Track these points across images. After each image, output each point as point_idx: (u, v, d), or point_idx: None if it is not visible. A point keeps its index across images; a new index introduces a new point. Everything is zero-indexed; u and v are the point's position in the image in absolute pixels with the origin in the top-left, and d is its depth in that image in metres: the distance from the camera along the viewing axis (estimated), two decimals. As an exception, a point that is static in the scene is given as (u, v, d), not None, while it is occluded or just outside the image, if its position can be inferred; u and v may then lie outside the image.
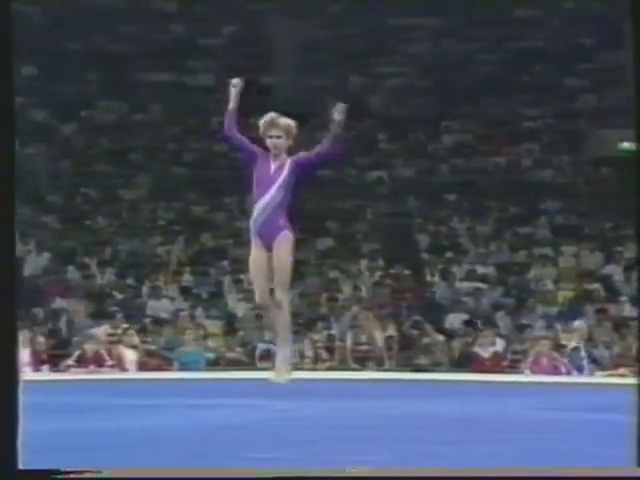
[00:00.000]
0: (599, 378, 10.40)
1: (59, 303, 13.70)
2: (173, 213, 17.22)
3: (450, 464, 3.57)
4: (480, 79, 19.73)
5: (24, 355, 11.01)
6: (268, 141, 6.79)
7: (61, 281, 14.76)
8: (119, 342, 11.47)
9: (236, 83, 6.98)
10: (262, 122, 6.83)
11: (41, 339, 11.80)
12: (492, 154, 18.87)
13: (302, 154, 6.85)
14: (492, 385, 8.99)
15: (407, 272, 15.27)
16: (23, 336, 11.31)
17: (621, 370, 10.65)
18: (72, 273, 15.04)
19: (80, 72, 19.61)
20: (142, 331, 12.40)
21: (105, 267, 15.26)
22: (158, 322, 12.93)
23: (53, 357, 11.66)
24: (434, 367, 11.91)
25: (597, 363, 11.40)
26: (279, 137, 6.78)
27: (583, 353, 11.19)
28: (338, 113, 6.80)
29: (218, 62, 19.90)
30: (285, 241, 6.71)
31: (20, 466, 2.93)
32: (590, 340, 11.78)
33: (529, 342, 11.81)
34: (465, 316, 13.67)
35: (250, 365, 11.67)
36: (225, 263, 14.90)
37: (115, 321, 12.23)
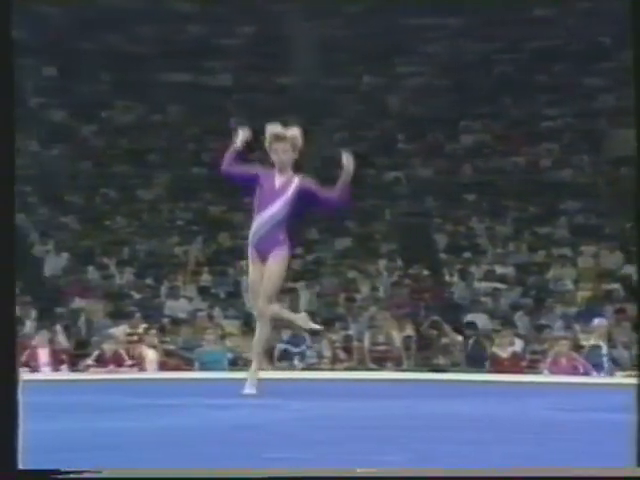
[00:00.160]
0: (618, 378, 10.35)
1: (78, 303, 13.75)
2: (191, 213, 17.26)
3: (468, 464, 3.56)
4: (499, 79, 19.67)
5: (43, 355, 11.07)
6: (274, 156, 6.73)
7: (80, 281, 14.81)
8: (140, 342, 11.49)
9: (245, 133, 6.91)
10: (268, 134, 6.77)
11: (60, 339, 11.85)
12: (511, 154, 18.81)
13: (311, 183, 6.78)
14: (511, 385, 8.97)
15: (425, 272, 15.25)
16: (42, 336, 11.37)
17: (641, 370, 10.58)
18: (91, 273, 15.09)
19: (99, 73, 19.68)
20: (160, 331, 12.42)
21: (124, 267, 15.31)
22: (176, 322, 12.96)
23: (72, 357, 11.70)
24: (452, 367, 11.89)
25: (616, 363, 11.34)
26: (285, 151, 6.73)
27: (603, 353, 11.13)
28: (347, 162, 6.72)
29: (236, 62, 19.93)
30: (280, 255, 6.67)
31: (20, 466, 2.92)
32: (609, 340, 11.72)
33: (548, 342, 11.77)
34: (484, 316, 13.64)
35: (268, 365, 11.67)
36: (243, 263, 14.87)
37: (134, 321, 12.26)
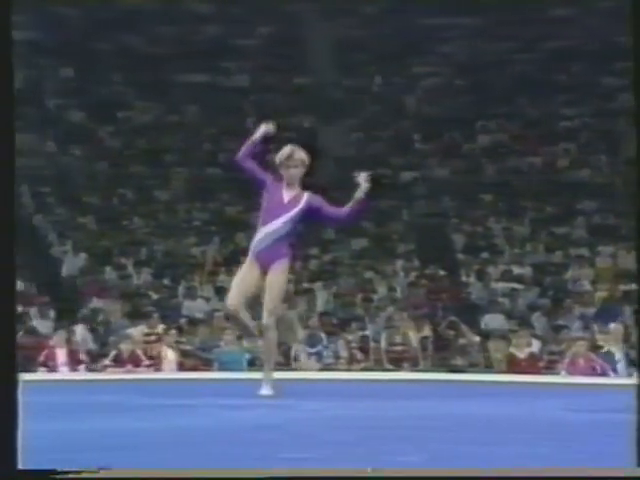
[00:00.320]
0: (636, 379, 10.28)
1: (96, 303, 13.79)
2: (208, 214, 17.29)
3: (484, 465, 3.55)
4: (516, 79, 19.62)
5: (61, 355, 11.11)
6: (285, 171, 6.76)
7: (98, 281, 14.86)
8: (159, 342, 11.51)
9: (267, 127, 6.94)
10: (281, 155, 6.79)
11: (86, 338, 11.90)
12: (528, 154, 18.76)
13: (319, 199, 6.80)
14: (528, 386, 8.94)
15: (442, 272, 15.23)
16: (60, 336, 11.42)
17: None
18: (109, 273, 15.14)
19: (117, 74, 19.74)
20: (178, 331, 12.44)
21: (141, 267, 15.35)
22: (193, 322, 12.98)
23: (90, 357, 11.74)
24: (470, 368, 11.86)
25: (634, 364, 11.29)
26: (296, 167, 6.78)
27: (616, 359, 11.09)
28: (363, 182, 6.72)
29: (253, 63, 19.96)
30: (281, 269, 6.70)
31: (20, 466, 2.93)
32: (627, 341, 11.67)
33: (566, 343, 11.73)
34: (501, 317, 13.62)
35: (285, 365, 11.67)
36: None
37: (151, 321, 12.29)
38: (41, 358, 11.03)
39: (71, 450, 3.89)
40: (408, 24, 20.01)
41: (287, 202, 6.76)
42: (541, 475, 3.24)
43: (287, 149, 6.83)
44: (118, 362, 10.90)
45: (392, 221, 17.15)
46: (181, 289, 14.55)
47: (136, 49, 19.94)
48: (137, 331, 11.92)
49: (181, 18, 20.25)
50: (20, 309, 13.03)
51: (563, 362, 11.08)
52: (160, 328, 11.95)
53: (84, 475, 3.04)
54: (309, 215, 6.80)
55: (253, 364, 11.62)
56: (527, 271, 15.14)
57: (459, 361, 12.22)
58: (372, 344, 12.37)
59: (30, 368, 10.97)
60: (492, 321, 13.55)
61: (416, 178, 18.43)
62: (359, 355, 12.18)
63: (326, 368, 11.76)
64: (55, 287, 14.82)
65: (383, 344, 12.39)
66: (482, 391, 8.23)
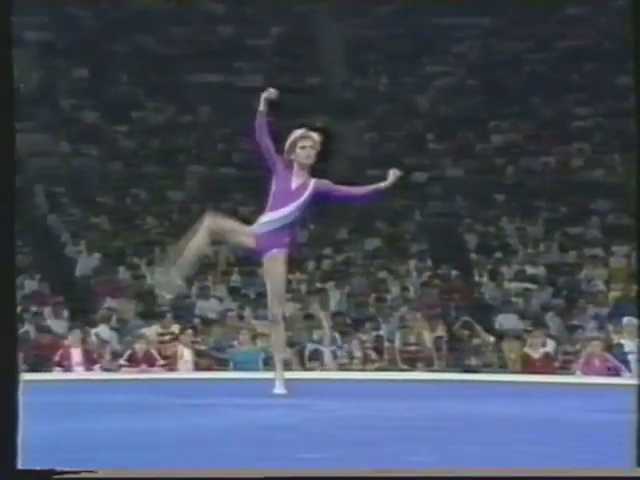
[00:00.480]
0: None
1: (109, 303, 13.82)
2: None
3: (498, 465, 3.54)
4: (529, 78, 19.57)
5: (76, 354, 11.14)
6: (300, 151, 6.74)
7: (111, 281, 14.89)
8: (175, 341, 11.53)
9: (271, 92, 6.98)
10: (293, 136, 6.79)
11: (93, 339, 11.92)
12: (542, 154, 18.70)
13: (326, 183, 6.81)
14: (543, 386, 8.92)
15: (455, 272, 15.20)
16: (75, 335, 11.45)
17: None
18: (122, 273, 15.17)
19: (130, 74, 19.78)
20: (192, 331, 12.45)
21: (154, 267, 15.36)
22: (206, 322, 12.99)
23: (112, 356, 11.74)
24: (484, 368, 11.84)
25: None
26: (312, 147, 6.76)
27: (626, 351, 11.05)
28: (392, 177, 6.74)
29: (266, 63, 19.96)
30: (279, 260, 6.69)
31: (20, 466, 2.93)
32: (640, 338, 11.63)
33: (580, 343, 11.70)
34: (515, 317, 13.59)
35: (299, 365, 11.68)
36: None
37: (165, 321, 12.31)
38: (56, 358, 11.06)
39: (87, 450, 3.90)
40: (421, 24, 20.00)
41: (295, 189, 6.75)
42: (541, 475, 3.23)
43: (299, 130, 6.84)
44: (132, 362, 10.92)
45: (405, 221, 17.13)
46: (194, 289, 14.57)
47: (149, 49, 19.97)
48: (151, 331, 11.94)
49: (194, 18, 20.28)
50: (34, 309, 13.07)
51: (578, 362, 11.06)
52: (174, 328, 11.97)
53: (84, 475, 3.05)
54: (318, 200, 6.81)
55: (268, 364, 11.62)
56: (541, 271, 15.10)
57: (473, 361, 12.20)
58: (386, 344, 12.36)
59: (45, 368, 11.02)
60: (506, 321, 13.52)
61: (429, 178, 18.40)
62: (373, 355, 12.17)
63: (340, 368, 11.77)
64: (69, 287, 14.85)
65: (397, 344, 12.38)
66: (496, 391, 8.22)
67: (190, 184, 18.04)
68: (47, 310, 13.20)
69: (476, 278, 15.25)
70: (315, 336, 12.39)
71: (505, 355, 12.08)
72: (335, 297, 14.17)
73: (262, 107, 6.92)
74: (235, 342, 11.91)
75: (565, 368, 11.47)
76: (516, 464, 3.60)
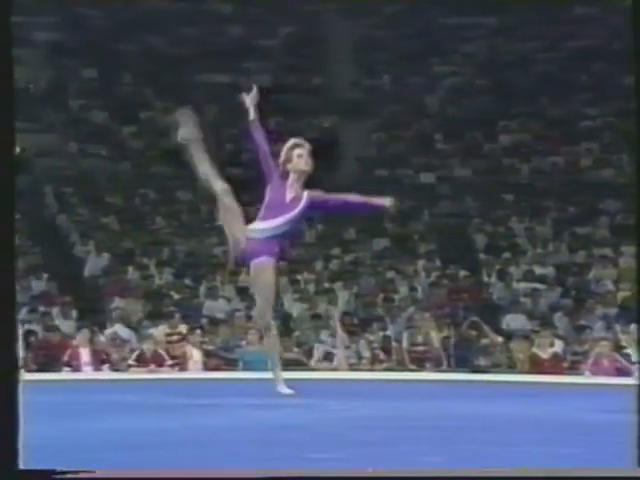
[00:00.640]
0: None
1: (118, 303, 13.84)
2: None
3: (507, 466, 3.54)
4: (538, 78, 19.54)
5: (85, 354, 11.15)
6: (297, 159, 6.71)
7: (120, 281, 14.91)
8: (184, 341, 11.54)
9: (254, 94, 7.00)
10: (288, 145, 6.78)
11: (101, 338, 11.94)
12: (550, 154, 18.69)
13: (320, 193, 6.77)
14: (551, 386, 8.91)
15: (464, 273, 15.19)
16: (84, 335, 11.47)
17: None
18: (131, 273, 15.19)
19: (139, 74, 19.81)
20: (200, 331, 12.46)
21: (163, 267, 15.39)
22: (214, 322, 13.01)
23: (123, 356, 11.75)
24: (492, 368, 11.82)
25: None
26: (303, 157, 6.73)
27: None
28: (389, 206, 6.70)
29: (274, 63, 19.97)
30: (266, 268, 6.69)
31: (22, 466, 2.94)
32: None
33: (589, 343, 11.68)
34: (523, 317, 13.57)
35: (307, 365, 11.68)
36: (281, 264, 14.92)
37: (173, 321, 12.32)
38: (65, 358, 11.08)
39: (93, 450, 3.90)
40: (429, 24, 19.99)
41: (289, 201, 6.72)
42: (542, 475, 3.23)
43: (292, 140, 6.83)
44: (141, 362, 10.93)
45: (413, 221, 17.13)
46: (203, 289, 14.58)
47: (158, 50, 20.00)
48: (159, 331, 11.95)
49: (203, 19, 20.30)
50: (42, 309, 13.10)
51: (586, 362, 11.04)
52: (182, 328, 11.98)
53: (84, 475, 3.05)
54: (313, 211, 6.83)
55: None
56: (549, 271, 15.08)
57: (481, 361, 12.18)
58: (394, 344, 12.35)
59: (54, 368, 11.04)
60: (514, 321, 13.50)
61: (438, 178, 18.39)
62: (381, 355, 12.17)
63: (349, 368, 11.76)
64: (77, 287, 14.88)
65: (405, 344, 12.37)
66: (505, 392, 8.21)
67: (198, 184, 18.04)
68: (55, 310, 13.23)
69: (484, 278, 15.24)
70: (323, 336, 12.38)
71: (513, 355, 12.06)
72: (343, 297, 14.18)
73: (252, 115, 6.91)
74: (243, 342, 11.92)
75: (573, 368, 11.45)
76: (524, 465, 3.60)
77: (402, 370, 11.58)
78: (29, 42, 17.92)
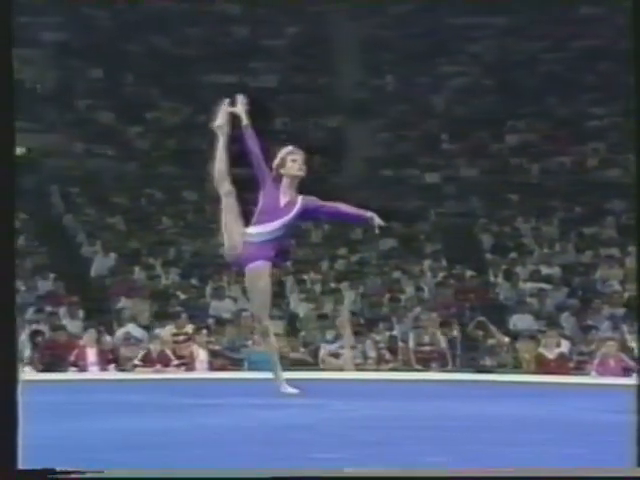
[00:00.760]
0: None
1: (124, 303, 13.86)
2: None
3: (512, 466, 3.54)
4: (544, 78, 19.53)
5: (91, 354, 11.17)
6: (291, 164, 6.72)
7: (126, 281, 14.93)
8: (190, 341, 11.55)
9: (242, 101, 7.03)
10: (283, 152, 6.80)
11: (110, 339, 11.95)
12: (557, 154, 18.67)
13: (314, 199, 6.76)
14: (558, 387, 8.90)
15: (470, 273, 15.18)
16: (90, 335, 11.49)
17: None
18: (137, 274, 15.21)
19: (145, 75, 19.83)
20: (207, 331, 12.47)
21: (169, 267, 15.41)
22: (221, 322, 13.01)
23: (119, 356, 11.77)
24: (499, 368, 11.82)
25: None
26: (297, 162, 6.75)
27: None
28: (376, 223, 6.67)
29: (281, 63, 19.98)
30: (261, 271, 6.65)
31: (20, 466, 2.94)
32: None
33: (595, 343, 11.66)
34: (529, 317, 13.56)
35: (313, 365, 11.69)
36: (287, 264, 14.94)
37: (179, 321, 12.34)
38: (71, 358, 11.09)
39: (97, 450, 3.91)
40: (436, 24, 19.98)
41: (283, 206, 6.72)
42: (547, 475, 3.23)
43: (288, 147, 6.84)
44: (147, 362, 10.94)
45: (420, 221, 17.13)
46: (209, 289, 14.60)
47: (165, 50, 20.03)
48: (165, 331, 11.96)
49: (209, 19, 20.32)
50: (49, 309, 13.12)
51: (593, 363, 11.02)
52: (189, 328, 11.99)
53: (84, 475, 3.05)
54: (306, 216, 6.85)
55: (283, 364, 11.61)
56: (556, 271, 15.07)
57: (488, 361, 12.18)
58: (400, 344, 12.35)
59: (60, 368, 11.06)
60: (520, 321, 13.49)
61: (444, 178, 18.39)
62: (387, 355, 12.17)
63: (355, 368, 11.76)
64: (84, 287, 14.91)
65: (411, 344, 12.37)
66: (511, 392, 8.20)
67: (205, 184, 18.06)
68: (62, 310, 13.25)
69: (491, 278, 15.23)
70: (329, 336, 12.38)
71: (520, 355, 12.05)
72: (349, 297, 14.18)
73: (245, 120, 6.96)
74: (249, 342, 11.93)
75: (580, 368, 11.43)
76: (530, 465, 3.60)
77: (408, 370, 11.58)
78: (36, 43, 17.96)
